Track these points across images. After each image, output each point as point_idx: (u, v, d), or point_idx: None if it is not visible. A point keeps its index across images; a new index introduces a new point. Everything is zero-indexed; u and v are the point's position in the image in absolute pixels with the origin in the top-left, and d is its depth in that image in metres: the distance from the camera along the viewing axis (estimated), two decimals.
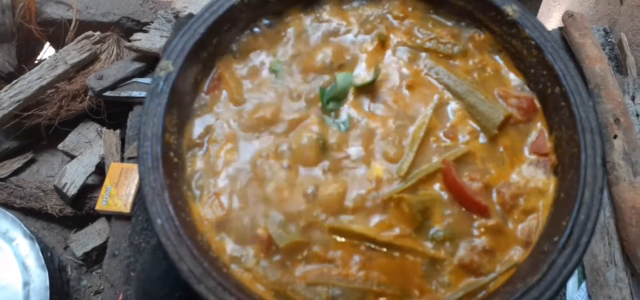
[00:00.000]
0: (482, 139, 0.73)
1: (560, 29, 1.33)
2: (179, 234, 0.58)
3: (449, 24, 0.81)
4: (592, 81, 1.19)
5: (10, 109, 1.18)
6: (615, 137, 1.13)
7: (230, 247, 0.63)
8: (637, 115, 1.21)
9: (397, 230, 0.65)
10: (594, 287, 0.97)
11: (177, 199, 0.62)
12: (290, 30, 0.80)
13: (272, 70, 0.77)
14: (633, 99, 1.23)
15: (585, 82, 1.17)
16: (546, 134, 0.73)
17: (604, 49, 1.30)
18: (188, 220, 0.62)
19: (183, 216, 0.61)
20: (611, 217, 1.05)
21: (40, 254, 1.05)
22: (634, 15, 1.32)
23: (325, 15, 0.81)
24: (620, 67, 1.31)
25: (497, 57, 0.79)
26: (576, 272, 0.98)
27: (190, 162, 0.68)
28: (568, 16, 1.31)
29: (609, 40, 1.34)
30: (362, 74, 0.76)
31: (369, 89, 0.74)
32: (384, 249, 0.65)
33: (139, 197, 0.93)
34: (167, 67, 0.68)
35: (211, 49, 0.73)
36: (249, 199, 0.66)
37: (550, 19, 1.70)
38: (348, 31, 0.81)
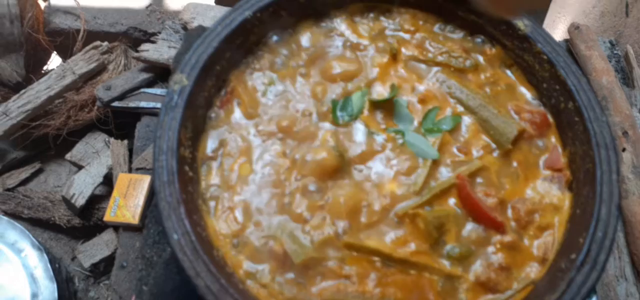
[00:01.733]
0: (495, 153, 0.72)
1: (566, 41, 1.33)
2: (196, 249, 0.58)
3: (461, 37, 0.81)
4: (600, 94, 1.19)
5: (18, 118, 1.17)
6: (623, 150, 1.12)
7: (245, 262, 0.63)
8: None
9: (412, 246, 0.65)
10: None
11: (192, 213, 0.62)
12: (302, 44, 0.80)
13: (282, 84, 0.77)
14: None
15: None
16: (560, 149, 0.73)
17: (610, 62, 1.30)
18: (204, 235, 0.62)
19: (199, 231, 0.61)
20: (621, 231, 1.04)
21: (49, 265, 1.04)
22: (639, 28, 1.32)
23: (336, 29, 0.82)
24: (626, 79, 1.31)
25: (508, 72, 0.79)
26: None
27: (204, 176, 0.68)
28: (574, 28, 1.31)
29: (615, 52, 1.35)
30: (376, 88, 0.76)
31: (382, 104, 0.74)
32: (400, 266, 0.64)
33: (150, 209, 0.93)
34: (181, 80, 0.68)
35: (224, 62, 0.74)
36: (264, 213, 0.66)
37: (555, 30, 1.71)
38: (359, 45, 0.81)
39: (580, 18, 1.60)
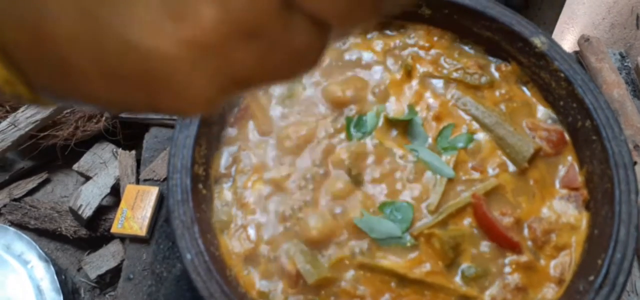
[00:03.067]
0: (511, 172, 0.72)
1: (576, 52, 1.32)
2: (209, 269, 0.57)
3: (476, 54, 0.81)
4: (611, 107, 1.18)
5: (27, 129, 1.17)
6: (635, 163, 1.11)
7: (258, 282, 0.62)
8: None
9: (427, 267, 0.64)
10: None
11: (206, 232, 0.61)
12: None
13: (296, 101, 0.76)
14: None
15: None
16: (577, 168, 0.72)
17: (620, 74, 1.29)
18: (217, 254, 0.61)
19: (212, 250, 0.60)
20: None
21: (55, 277, 1.03)
22: None
23: (350, 46, 0.81)
24: (637, 92, 1.30)
25: (524, 89, 0.79)
26: None
27: (217, 193, 0.67)
28: (584, 40, 1.31)
29: (625, 64, 1.34)
30: (391, 105, 0.75)
31: (398, 121, 0.74)
32: (415, 286, 0.63)
33: (160, 224, 0.92)
34: None
35: None
36: (277, 232, 0.65)
37: (564, 41, 1.70)
38: (373, 61, 0.80)
39: (589, 30, 1.59)
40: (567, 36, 1.69)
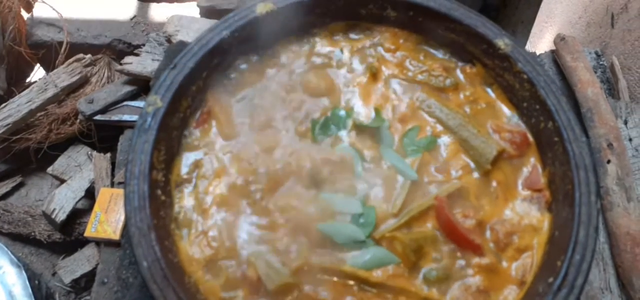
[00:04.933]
0: (475, 174, 0.72)
1: (552, 51, 1.33)
2: (166, 277, 0.57)
3: (441, 56, 0.81)
4: (585, 105, 1.19)
5: None
6: (608, 162, 1.12)
7: (219, 288, 0.62)
8: (630, 139, 1.20)
9: (389, 270, 0.64)
10: None
11: (164, 239, 0.61)
12: (282, 63, 0.79)
13: (260, 104, 0.76)
14: (626, 123, 1.23)
15: (577, 106, 1.17)
16: (540, 169, 0.72)
17: (595, 72, 1.30)
18: (175, 261, 0.61)
19: (170, 257, 0.60)
20: (606, 243, 1.04)
21: (28, 282, 1.02)
22: (625, 39, 1.33)
23: (316, 48, 0.81)
24: (612, 90, 1.31)
25: (489, 90, 0.79)
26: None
27: (178, 199, 0.67)
28: (560, 39, 1.31)
29: (601, 63, 1.35)
30: (357, 108, 0.75)
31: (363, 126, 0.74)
32: (377, 290, 0.63)
33: (126, 230, 0.91)
34: (155, 102, 0.66)
35: (201, 82, 0.73)
36: (238, 238, 0.65)
37: (542, 40, 1.71)
38: (339, 63, 0.80)
39: (566, 28, 1.60)
40: (545, 35, 1.70)
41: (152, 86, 0.68)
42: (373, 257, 0.64)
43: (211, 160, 0.70)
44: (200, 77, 0.72)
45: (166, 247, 0.60)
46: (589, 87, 1.22)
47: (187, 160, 0.70)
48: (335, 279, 0.64)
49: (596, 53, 1.36)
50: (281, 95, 0.76)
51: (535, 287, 0.63)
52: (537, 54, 1.36)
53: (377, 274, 0.64)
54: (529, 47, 1.64)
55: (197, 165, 0.70)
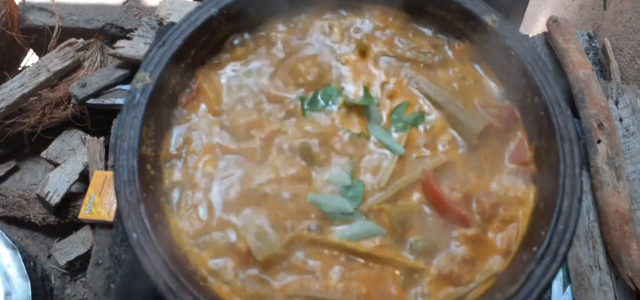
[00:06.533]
0: (462, 148, 0.73)
1: (545, 34, 1.33)
2: (155, 248, 0.58)
3: (430, 33, 0.81)
4: (576, 86, 1.20)
5: None
6: (599, 141, 1.13)
7: (208, 259, 0.63)
8: (621, 119, 1.21)
9: (377, 241, 0.65)
10: (579, 291, 0.98)
11: (153, 213, 0.61)
12: (271, 41, 0.79)
13: (249, 81, 0.76)
14: (616, 103, 1.24)
15: (568, 88, 1.18)
16: (526, 144, 0.73)
17: (587, 54, 1.30)
18: (165, 233, 0.62)
19: (160, 230, 0.61)
20: (595, 221, 1.05)
21: (22, 263, 1.03)
22: (617, 21, 1.33)
23: (305, 25, 0.81)
24: (604, 72, 1.32)
25: (477, 66, 0.80)
26: (561, 276, 0.99)
27: (168, 174, 0.68)
28: (552, 21, 1.32)
29: (593, 45, 1.35)
30: (346, 85, 0.76)
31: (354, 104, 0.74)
32: (364, 260, 0.64)
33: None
34: (144, 79, 0.67)
35: (189, 60, 0.73)
36: (227, 211, 0.66)
37: (536, 23, 1.71)
38: (329, 41, 0.80)
39: (559, 11, 1.60)
40: (539, 17, 1.70)
41: (142, 63, 0.68)
42: (361, 229, 0.65)
43: (200, 136, 0.70)
44: (189, 54, 0.73)
45: (156, 219, 0.61)
46: (581, 68, 1.22)
47: (176, 136, 0.70)
48: (324, 250, 0.65)
49: (588, 35, 1.37)
50: (271, 73, 0.76)
51: (519, 256, 0.64)
52: (530, 36, 1.36)
53: (365, 245, 0.65)
54: (522, 29, 1.64)
55: (186, 141, 0.70)
